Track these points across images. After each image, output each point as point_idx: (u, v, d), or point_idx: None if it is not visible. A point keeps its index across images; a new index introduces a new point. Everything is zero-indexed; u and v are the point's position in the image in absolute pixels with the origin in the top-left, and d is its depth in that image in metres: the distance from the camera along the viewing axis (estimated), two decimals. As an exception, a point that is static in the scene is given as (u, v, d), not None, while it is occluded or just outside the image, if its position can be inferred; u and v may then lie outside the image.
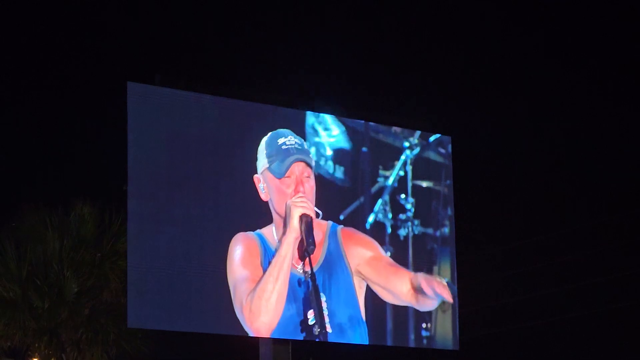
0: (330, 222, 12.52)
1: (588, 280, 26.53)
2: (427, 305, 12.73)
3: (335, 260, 12.42)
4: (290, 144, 12.21)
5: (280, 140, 12.21)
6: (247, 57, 29.39)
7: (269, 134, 12.28)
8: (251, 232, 12.07)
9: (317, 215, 12.23)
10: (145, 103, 11.85)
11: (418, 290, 12.38)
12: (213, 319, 11.93)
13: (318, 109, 12.89)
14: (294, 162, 12.05)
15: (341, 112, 13.02)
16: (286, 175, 12.00)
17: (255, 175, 12.12)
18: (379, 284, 12.57)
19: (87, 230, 17.40)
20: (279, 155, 12.10)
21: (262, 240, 12.10)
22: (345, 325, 12.51)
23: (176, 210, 11.81)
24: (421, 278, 12.33)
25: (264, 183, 12.11)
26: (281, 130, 12.39)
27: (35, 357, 17.11)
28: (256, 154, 12.18)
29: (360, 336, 12.61)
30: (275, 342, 12.24)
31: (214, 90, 12.31)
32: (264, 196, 12.12)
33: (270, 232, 12.15)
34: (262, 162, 12.15)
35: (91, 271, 17.20)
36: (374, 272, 12.56)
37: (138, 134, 11.76)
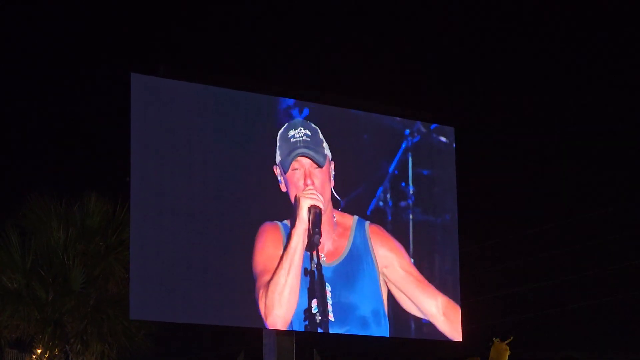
0: (356, 217, 12.73)
1: (593, 271, 26.50)
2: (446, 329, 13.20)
3: (361, 255, 12.62)
4: (299, 137, 12.37)
5: (291, 132, 12.42)
6: (252, 49, 29.40)
7: (285, 125, 12.48)
8: (277, 222, 12.27)
9: (338, 205, 12.49)
10: (148, 94, 11.88)
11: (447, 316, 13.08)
12: (217, 311, 11.96)
13: (321, 100, 12.91)
14: (297, 157, 12.26)
15: (343, 103, 13.04)
16: (291, 168, 12.24)
17: (274, 166, 12.35)
18: (407, 295, 12.97)
19: (92, 221, 17.29)
20: (286, 148, 12.30)
21: (287, 229, 12.28)
22: (370, 319, 12.68)
23: (180, 202, 11.83)
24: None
25: (280, 176, 12.34)
26: (295, 121, 12.56)
27: (39, 349, 17.05)
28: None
29: (382, 329, 12.83)
30: (279, 333, 12.27)
31: (218, 81, 12.33)
32: (282, 187, 12.33)
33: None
34: (277, 154, 12.33)
35: (96, 262, 17.14)
36: (403, 283, 12.94)
37: (141, 124, 11.78)
